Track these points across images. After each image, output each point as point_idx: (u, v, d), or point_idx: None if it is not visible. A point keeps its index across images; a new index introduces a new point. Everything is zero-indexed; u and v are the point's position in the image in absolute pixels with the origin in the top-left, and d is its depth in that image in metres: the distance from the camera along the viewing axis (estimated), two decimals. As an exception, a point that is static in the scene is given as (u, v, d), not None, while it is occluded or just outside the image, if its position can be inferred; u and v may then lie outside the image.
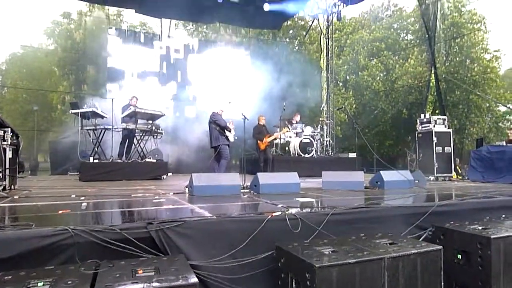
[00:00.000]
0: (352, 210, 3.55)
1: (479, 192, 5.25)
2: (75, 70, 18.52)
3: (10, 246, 2.34)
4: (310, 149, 11.53)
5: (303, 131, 12.03)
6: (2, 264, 2.27)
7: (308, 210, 3.64)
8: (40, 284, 1.99)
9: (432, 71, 13.85)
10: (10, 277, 2.10)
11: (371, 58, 23.07)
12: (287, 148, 12.00)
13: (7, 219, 3.21)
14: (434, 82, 13.96)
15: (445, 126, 9.44)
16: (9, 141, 5.44)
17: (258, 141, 10.22)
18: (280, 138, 11.70)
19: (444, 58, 18.83)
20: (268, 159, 10.47)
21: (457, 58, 20.27)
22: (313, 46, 19.86)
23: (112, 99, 9.26)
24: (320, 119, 14.49)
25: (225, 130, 8.24)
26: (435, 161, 9.08)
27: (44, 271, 2.22)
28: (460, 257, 3.37)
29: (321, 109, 16.51)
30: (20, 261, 2.32)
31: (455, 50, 20.38)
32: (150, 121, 9.54)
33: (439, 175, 9.12)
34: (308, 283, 2.44)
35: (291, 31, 22.61)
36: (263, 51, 18.86)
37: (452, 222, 3.69)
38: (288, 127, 11.67)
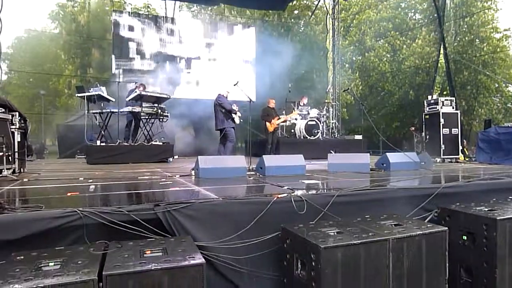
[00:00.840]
0: (358, 192, 3.56)
1: (486, 174, 5.23)
2: (80, 54, 18.47)
3: (21, 227, 2.39)
4: (316, 131, 11.51)
5: (309, 113, 11.99)
6: (14, 245, 2.32)
7: (314, 192, 3.66)
8: (51, 264, 2.04)
9: (441, 51, 13.62)
10: (22, 257, 2.15)
11: (378, 39, 22.71)
12: (292, 130, 11.99)
13: (17, 201, 3.27)
14: (444, 63, 13.74)
15: (453, 108, 9.34)
16: (18, 125, 5.50)
17: (267, 123, 10.19)
18: (287, 121, 11.67)
19: (453, 38, 18.48)
20: (276, 141, 10.48)
21: (466, 38, 19.86)
22: (319, 26, 19.57)
23: (118, 82, 9.26)
24: (326, 101, 14.40)
25: (231, 113, 8.23)
26: (442, 143, 9.02)
27: (54, 251, 2.26)
28: (466, 239, 3.38)
29: (327, 91, 16.40)
30: (31, 242, 2.37)
31: (464, 29, 19.96)
32: (156, 104, 9.54)
33: (446, 157, 9.08)
34: (313, 263, 2.47)
35: (296, 12, 22.26)
36: (268, 32, 18.64)
37: (458, 204, 3.69)
38: (296, 111, 11.63)
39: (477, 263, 3.28)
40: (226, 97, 8.32)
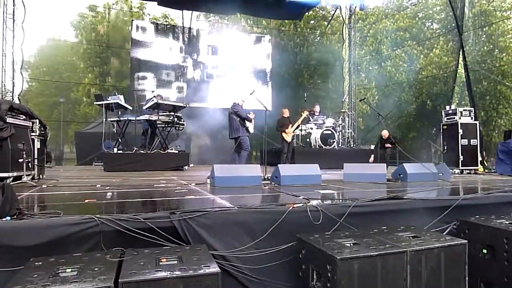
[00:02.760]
0: (374, 203, 3.51)
1: (506, 186, 5.10)
2: (99, 63, 18.84)
3: (39, 233, 2.43)
4: (331, 140, 11.43)
5: (324, 122, 11.94)
6: (33, 251, 2.36)
7: (330, 202, 3.62)
8: (68, 270, 2.07)
9: (460, 61, 13.43)
10: (40, 263, 2.18)
11: (394, 48, 22.55)
12: (308, 140, 11.94)
13: (36, 207, 3.33)
14: (463, 72, 13.54)
15: (472, 118, 9.18)
16: (37, 132, 5.62)
17: (282, 133, 10.18)
18: (300, 125, 11.47)
19: (472, 48, 18.22)
20: (292, 150, 10.44)
21: (485, 48, 19.54)
22: (335, 36, 19.54)
23: (135, 91, 9.41)
24: (342, 110, 14.31)
25: (246, 121, 8.25)
26: (460, 154, 8.85)
27: (72, 257, 2.29)
28: (486, 252, 3.30)
29: (342, 100, 16.31)
30: (49, 247, 2.41)
31: (483, 39, 19.66)
32: (172, 113, 9.65)
33: (465, 168, 8.90)
34: (329, 275, 2.44)
35: (312, 22, 22.31)
36: (284, 42, 18.71)
37: (477, 216, 3.61)
38: (305, 113, 11.48)
39: (497, 277, 3.19)
40: (241, 106, 8.35)
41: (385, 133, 11.26)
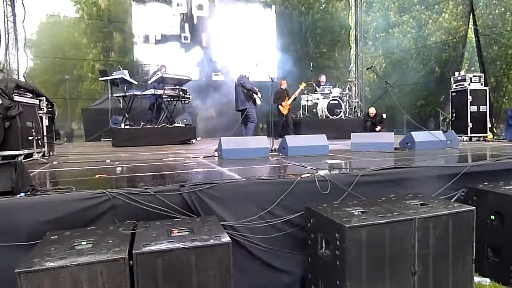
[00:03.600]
0: (382, 171, 3.52)
1: (516, 152, 5.07)
2: (102, 38, 18.63)
3: (54, 208, 2.49)
4: (338, 110, 11.36)
5: (331, 92, 11.82)
6: (48, 225, 2.43)
7: (337, 171, 3.64)
8: (83, 243, 2.13)
9: (470, 25, 13.06)
10: (56, 237, 2.25)
11: (402, 14, 21.97)
12: (315, 110, 11.87)
13: (48, 183, 3.39)
14: (473, 37, 13.19)
15: (481, 84, 9.02)
16: (45, 109, 5.65)
17: (279, 106, 10.12)
18: (299, 95, 11.19)
19: (482, 11, 17.68)
20: (290, 123, 10.34)
21: (496, 11, 18.97)
22: (341, 3, 19.05)
23: (140, 65, 9.34)
24: (349, 79, 14.12)
25: (252, 93, 8.20)
26: (469, 121, 8.76)
27: (86, 231, 2.36)
28: (494, 218, 3.32)
29: (349, 69, 16.08)
30: (63, 222, 2.47)
31: (494, 1, 19.06)
32: (178, 86, 9.60)
33: (474, 135, 8.82)
34: (337, 243, 2.49)
35: (317, -12, 21.70)
36: (289, 11, 18.30)
37: (486, 183, 3.61)
38: (303, 84, 11.26)
39: (505, 243, 3.23)
40: (248, 78, 8.28)
41: (372, 111, 10.86)
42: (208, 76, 14.39)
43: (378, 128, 10.47)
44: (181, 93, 9.59)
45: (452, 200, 3.39)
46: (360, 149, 5.84)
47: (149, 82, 9.40)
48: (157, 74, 9.14)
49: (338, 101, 11.48)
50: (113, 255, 1.96)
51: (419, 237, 2.62)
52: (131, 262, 1.99)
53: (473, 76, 9.09)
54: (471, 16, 13.08)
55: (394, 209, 2.75)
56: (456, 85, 9.25)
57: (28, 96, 5.18)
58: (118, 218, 2.59)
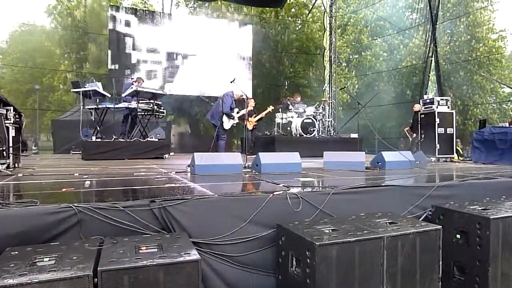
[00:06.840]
0: (353, 190, 3.57)
1: (480, 173, 5.26)
2: (76, 49, 18.34)
3: (16, 223, 2.38)
4: (312, 129, 11.52)
5: (305, 111, 12.00)
6: (9, 240, 2.31)
7: (309, 189, 3.67)
8: (46, 259, 2.04)
9: (433, 51, 13.68)
10: (16, 252, 2.14)
11: (374, 38, 22.75)
12: (288, 128, 11.99)
13: (11, 196, 3.25)
14: (434, 63, 13.79)
15: (448, 107, 9.38)
16: (12, 119, 5.45)
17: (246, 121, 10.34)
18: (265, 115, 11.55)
19: (449, 38, 18.56)
20: (253, 140, 10.66)
21: (462, 38, 19.95)
22: (316, 25, 19.57)
23: (113, 78, 9.23)
24: (322, 99, 14.40)
25: (223, 115, 8.28)
26: (437, 142, 9.06)
27: (49, 247, 2.26)
28: (459, 237, 3.41)
29: (323, 89, 16.40)
30: (26, 237, 2.36)
31: (460, 29, 20.05)
32: (152, 100, 9.51)
33: (441, 156, 9.11)
34: (308, 260, 2.49)
35: (293, 10, 22.24)
36: (265, 30, 18.63)
37: (452, 203, 3.72)
38: (273, 106, 11.61)
39: (470, 261, 3.31)
40: (233, 99, 8.35)
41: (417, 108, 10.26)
42: (183, 91, 14.35)
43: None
44: (155, 107, 9.50)
45: (420, 219, 3.47)
46: (332, 168, 5.92)
47: (123, 95, 9.28)
48: (132, 87, 9.03)
49: (312, 119, 11.65)
50: (77, 272, 1.89)
51: (388, 255, 2.65)
52: (96, 279, 1.92)
53: (441, 99, 9.44)
54: (433, 43, 13.72)
55: (364, 227, 2.79)
56: (425, 108, 9.57)
57: (-6, 106, 5.00)
58: (85, 234, 2.50)
